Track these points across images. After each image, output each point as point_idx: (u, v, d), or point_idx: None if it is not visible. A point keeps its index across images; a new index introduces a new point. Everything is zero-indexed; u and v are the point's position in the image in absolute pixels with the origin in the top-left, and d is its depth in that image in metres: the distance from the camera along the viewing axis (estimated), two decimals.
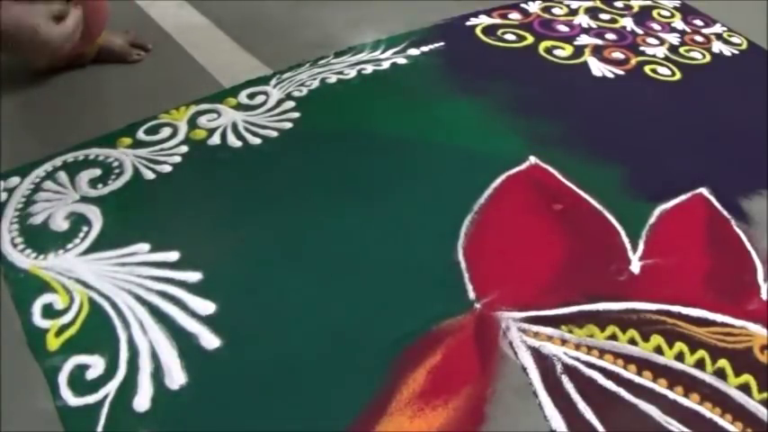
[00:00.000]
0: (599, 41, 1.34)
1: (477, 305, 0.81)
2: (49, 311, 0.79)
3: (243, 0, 1.42)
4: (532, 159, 1.02)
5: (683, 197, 0.97)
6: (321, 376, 0.74)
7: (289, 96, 1.14)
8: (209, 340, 0.77)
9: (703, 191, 0.98)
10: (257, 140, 1.05)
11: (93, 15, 1.10)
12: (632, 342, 0.78)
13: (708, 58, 1.31)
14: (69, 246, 0.87)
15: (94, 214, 0.92)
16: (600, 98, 1.18)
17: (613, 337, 0.78)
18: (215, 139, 1.05)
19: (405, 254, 0.88)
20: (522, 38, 1.33)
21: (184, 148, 1.03)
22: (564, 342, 0.78)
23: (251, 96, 1.14)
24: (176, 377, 0.73)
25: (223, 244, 0.89)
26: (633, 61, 1.28)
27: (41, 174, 0.98)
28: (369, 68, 1.21)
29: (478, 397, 0.72)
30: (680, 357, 0.76)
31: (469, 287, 0.83)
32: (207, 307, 0.80)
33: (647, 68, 1.26)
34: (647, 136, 1.10)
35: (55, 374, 0.72)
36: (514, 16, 1.40)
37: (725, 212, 0.96)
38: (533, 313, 0.80)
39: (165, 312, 0.79)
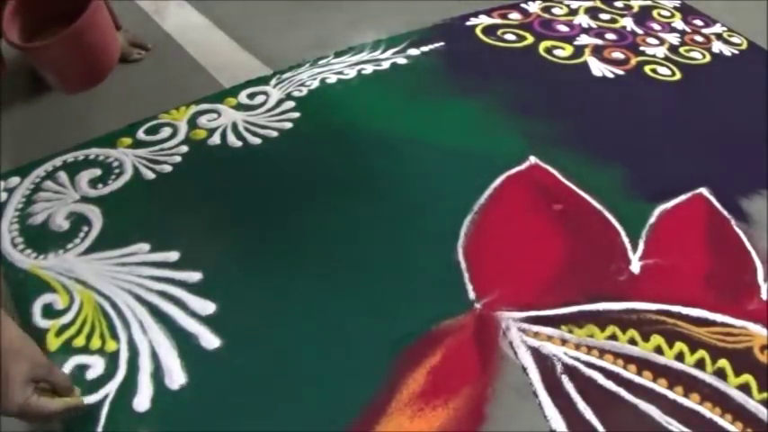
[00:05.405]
0: (599, 41, 1.33)
1: (478, 305, 0.81)
2: (49, 311, 0.79)
3: (243, 0, 1.42)
4: (532, 159, 1.02)
5: (683, 197, 0.97)
6: (321, 376, 0.74)
7: (289, 96, 1.14)
8: (209, 340, 0.77)
9: (703, 191, 0.98)
10: (257, 140, 1.05)
11: (101, 51, 1.00)
12: (632, 342, 0.78)
13: (708, 58, 1.31)
14: (69, 246, 0.87)
15: (94, 214, 0.92)
16: (600, 98, 1.18)
17: (613, 337, 0.78)
18: (215, 139, 1.05)
19: (405, 254, 0.88)
20: (522, 38, 1.33)
21: (184, 148, 1.03)
22: (564, 342, 0.78)
23: (251, 96, 1.14)
24: (176, 377, 0.73)
25: (223, 244, 0.89)
26: (633, 61, 1.28)
27: (41, 174, 0.98)
28: (369, 68, 1.21)
29: (478, 397, 0.72)
30: (680, 357, 0.76)
31: (469, 287, 0.83)
32: (207, 307, 0.80)
33: (647, 68, 1.26)
34: (647, 136, 1.10)
35: None
36: (514, 16, 1.40)
37: (725, 212, 0.96)
38: (533, 313, 0.80)
39: (165, 312, 0.79)
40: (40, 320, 0.78)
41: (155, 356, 0.75)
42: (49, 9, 0.96)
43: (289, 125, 1.08)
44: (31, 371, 0.63)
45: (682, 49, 1.32)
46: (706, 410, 0.71)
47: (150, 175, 0.98)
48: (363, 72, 1.20)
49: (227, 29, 1.32)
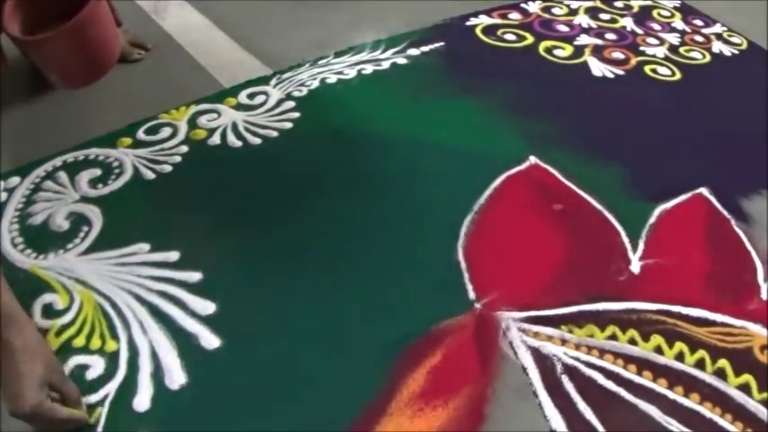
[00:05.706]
0: (599, 41, 1.34)
1: (478, 305, 0.81)
2: (49, 311, 0.79)
3: (243, 0, 1.42)
4: (532, 159, 1.02)
5: (683, 197, 0.97)
6: (321, 376, 0.74)
7: (289, 96, 1.14)
8: (209, 340, 0.77)
9: (703, 191, 0.98)
10: (257, 140, 1.05)
11: (102, 46, 0.99)
12: (632, 342, 0.78)
13: (708, 58, 1.31)
14: (69, 246, 0.87)
15: (94, 214, 0.92)
16: (600, 98, 1.18)
17: (613, 337, 0.78)
18: (215, 139, 1.05)
19: (405, 254, 0.88)
20: (522, 38, 1.33)
21: (184, 148, 1.03)
22: (564, 342, 0.78)
23: (251, 96, 1.14)
24: (176, 377, 0.73)
25: (223, 244, 0.89)
26: (633, 61, 1.28)
27: (41, 174, 0.98)
28: (369, 68, 1.21)
29: (478, 397, 0.72)
30: (680, 357, 0.76)
31: (469, 287, 0.83)
32: (207, 307, 0.80)
33: (647, 68, 1.26)
34: (647, 136, 1.10)
35: None
36: (514, 16, 1.40)
37: (725, 212, 0.96)
38: (533, 313, 0.80)
39: (165, 312, 0.79)
40: (40, 320, 0.78)
41: (155, 356, 0.75)
42: (50, 5, 0.96)
43: (289, 125, 1.08)
44: (46, 374, 0.64)
45: (682, 49, 1.32)
46: (706, 410, 0.71)
47: (150, 175, 0.98)
48: (363, 72, 1.20)
49: (227, 29, 1.33)
